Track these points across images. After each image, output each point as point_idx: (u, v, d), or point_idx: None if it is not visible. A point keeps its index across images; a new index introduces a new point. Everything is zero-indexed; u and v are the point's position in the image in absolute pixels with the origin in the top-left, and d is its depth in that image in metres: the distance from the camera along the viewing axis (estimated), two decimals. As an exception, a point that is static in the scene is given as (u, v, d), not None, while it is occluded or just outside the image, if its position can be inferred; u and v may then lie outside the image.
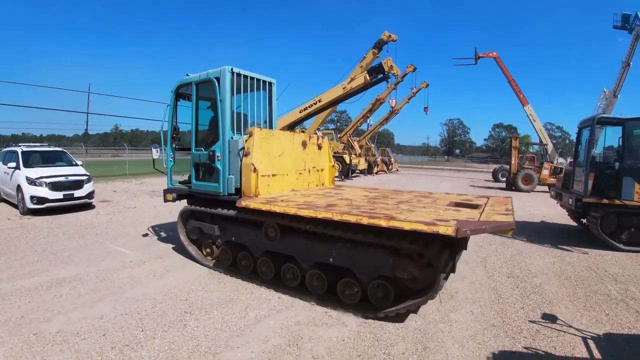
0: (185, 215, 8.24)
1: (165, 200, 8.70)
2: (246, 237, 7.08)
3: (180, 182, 8.58)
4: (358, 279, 5.80)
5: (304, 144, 8.35)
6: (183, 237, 8.27)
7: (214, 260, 7.80)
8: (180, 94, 8.27)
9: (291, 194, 7.33)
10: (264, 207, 6.21)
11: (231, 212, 7.00)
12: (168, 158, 8.37)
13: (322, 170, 9.15)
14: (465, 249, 6.18)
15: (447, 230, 4.56)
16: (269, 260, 6.81)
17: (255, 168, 6.73)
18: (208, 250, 7.96)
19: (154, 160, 8.85)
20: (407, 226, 4.87)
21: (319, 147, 8.98)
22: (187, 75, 7.86)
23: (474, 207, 6.32)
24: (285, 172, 7.73)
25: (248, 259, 7.17)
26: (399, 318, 5.58)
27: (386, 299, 5.61)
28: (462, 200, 7.03)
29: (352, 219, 5.27)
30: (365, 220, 5.13)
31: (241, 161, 6.89)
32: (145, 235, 10.21)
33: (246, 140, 6.87)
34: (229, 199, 7.02)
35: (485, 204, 6.51)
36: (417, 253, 5.33)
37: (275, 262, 6.75)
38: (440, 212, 5.79)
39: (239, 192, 6.99)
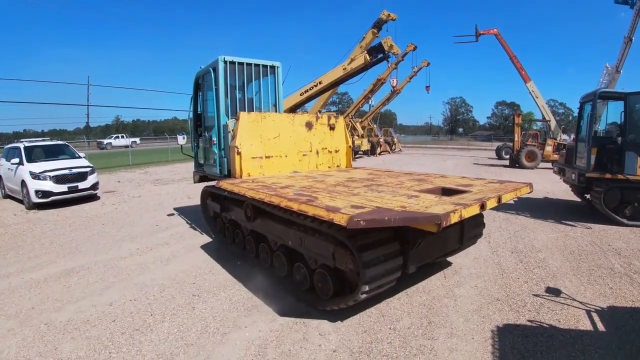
0: (204, 195, 8.71)
1: (195, 182, 9.67)
2: (238, 216, 7.15)
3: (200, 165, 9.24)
4: (308, 265, 5.46)
5: (309, 125, 8.32)
6: (203, 212, 8.96)
7: (222, 237, 8.22)
8: (199, 84, 8.89)
9: (282, 176, 7.36)
10: (229, 188, 6.45)
11: (220, 192, 7.11)
12: (193, 143, 9.38)
13: (336, 151, 9.00)
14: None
15: (341, 219, 3.94)
16: (251, 239, 6.97)
17: (239, 150, 6.95)
18: (219, 227, 8.38)
19: (181, 146, 9.83)
20: (310, 211, 4.44)
21: (331, 128, 8.78)
22: (200, 67, 8.46)
23: (462, 192, 5.38)
24: (282, 153, 7.79)
25: (239, 236, 7.41)
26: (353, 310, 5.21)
27: (326, 292, 5.15)
28: (451, 187, 5.79)
29: (276, 200, 5.06)
30: (284, 203, 4.88)
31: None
32: (171, 214, 11.27)
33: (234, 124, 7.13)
34: (225, 180, 7.23)
35: (474, 189, 5.52)
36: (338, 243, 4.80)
37: (256, 241, 6.87)
38: (398, 198, 4.91)
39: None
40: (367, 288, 4.46)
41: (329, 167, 8.83)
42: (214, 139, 7.47)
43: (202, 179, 9.30)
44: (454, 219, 3.86)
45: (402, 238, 4.88)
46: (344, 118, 31.05)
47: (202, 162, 9.16)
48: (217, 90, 7.45)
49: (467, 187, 5.70)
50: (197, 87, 8.87)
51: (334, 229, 4.53)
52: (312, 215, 4.39)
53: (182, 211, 11.74)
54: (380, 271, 4.55)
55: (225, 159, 7.43)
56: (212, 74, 7.59)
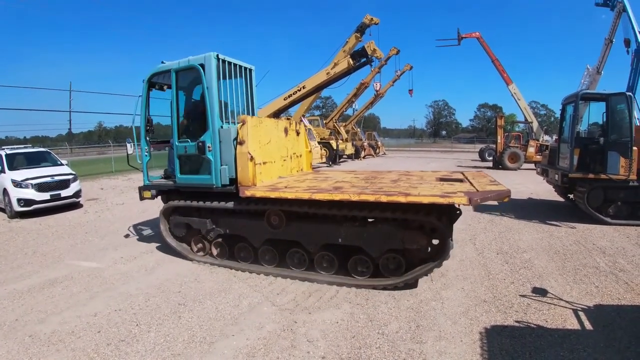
0: (168, 212, 7.88)
1: (142, 198, 8.20)
2: (244, 227, 7.01)
3: (162, 177, 8.28)
4: (368, 255, 6.15)
5: (286, 131, 8.30)
6: (168, 236, 7.87)
7: (206, 256, 7.63)
8: (153, 83, 7.96)
9: (284, 181, 7.32)
10: (273, 195, 6.19)
11: (230, 204, 6.90)
12: (143, 153, 7.89)
13: (300, 156, 9.11)
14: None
15: (461, 200, 5.11)
16: (272, 248, 6.85)
17: (252, 157, 6.64)
18: (199, 245, 7.70)
19: (128, 156, 8.37)
20: (425, 200, 5.27)
21: (297, 133, 8.96)
22: (162, 62, 7.51)
23: (460, 180, 6.79)
24: (272, 159, 7.66)
25: (247, 249, 7.13)
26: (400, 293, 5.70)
27: (398, 270, 6.08)
28: (443, 175, 7.52)
29: (371, 198, 5.53)
30: (384, 198, 5.43)
31: (235, 150, 6.72)
32: (127, 236, 9.86)
33: (239, 129, 6.71)
34: (223, 190, 6.89)
35: (467, 178, 7.06)
36: (421, 224, 5.90)
37: (279, 249, 6.81)
38: (439, 186, 6.20)
39: (233, 182, 6.85)
40: (452, 249, 5.84)
41: (297, 171, 8.87)
42: (209, 144, 6.85)
43: (161, 193, 8.10)
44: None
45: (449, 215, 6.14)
46: (328, 122, 31.09)
47: (164, 173, 8.33)
48: (209, 89, 6.83)
49: (451, 176, 7.42)
50: (151, 86, 7.89)
51: (422, 214, 5.64)
52: (427, 202, 5.28)
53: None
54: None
55: (227, 167, 6.85)
56: (202, 71, 6.86)
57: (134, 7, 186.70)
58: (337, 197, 5.74)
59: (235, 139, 6.74)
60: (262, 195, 6.28)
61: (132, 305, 5.69)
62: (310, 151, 9.69)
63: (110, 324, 5.16)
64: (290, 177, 8.05)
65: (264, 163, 7.19)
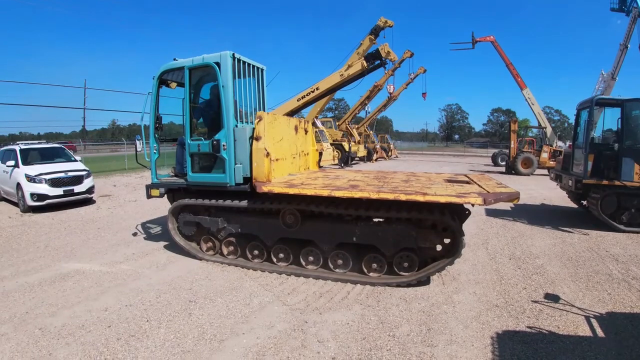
0: (177, 211, 7.74)
1: (149, 197, 8.07)
2: (257, 226, 7.01)
3: (171, 175, 8.23)
4: (382, 253, 6.32)
5: (296, 129, 8.37)
6: (176, 235, 7.74)
7: (216, 255, 7.57)
8: (163, 80, 7.95)
9: (296, 178, 7.34)
10: (292, 191, 6.21)
11: (244, 203, 6.89)
12: (152, 150, 7.83)
13: (307, 154, 9.18)
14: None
15: (477, 200, 5.29)
16: (286, 247, 6.86)
17: (268, 153, 6.65)
18: (209, 244, 7.65)
19: (136, 153, 8.35)
20: (442, 199, 5.43)
21: (306, 132, 9.05)
22: (174, 60, 7.48)
23: (467, 182, 6.91)
24: (284, 156, 7.69)
25: (260, 248, 7.13)
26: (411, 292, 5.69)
27: (411, 268, 6.25)
28: (449, 177, 7.69)
29: (390, 196, 5.63)
30: (403, 197, 5.56)
31: (251, 147, 6.72)
32: (135, 234, 9.73)
33: (256, 124, 6.70)
34: (237, 189, 6.88)
35: (473, 180, 7.20)
36: (434, 223, 6.12)
37: (293, 247, 6.83)
38: (451, 187, 6.33)
39: (247, 181, 6.85)
40: (463, 248, 5.92)
41: (305, 169, 8.93)
42: (224, 142, 6.82)
43: (170, 191, 8.00)
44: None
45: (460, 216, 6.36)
46: (340, 124, 31.14)
47: (173, 172, 8.30)
48: (225, 88, 6.80)
49: (456, 178, 7.63)
50: (161, 83, 7.83)
51: (437, 213, 5.85)
52: (445, 202, 5.44)
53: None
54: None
55: (241, 166, 6.83)
56: (217, 70, 6.81)
57: (148, 7, 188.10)
58: (357, 194, 5.80)
59: (252, 137, 6.74)
60: (280, 191, 6.29)
61: (142, 301, 5.71)
62: (317, 150, 9.80)
63: (121, 319, 5.17)
64: (300, 174, 8.09)
65: (277, 160, 7.23)
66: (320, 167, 9.97)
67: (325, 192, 5.96)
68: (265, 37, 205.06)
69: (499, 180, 7.05)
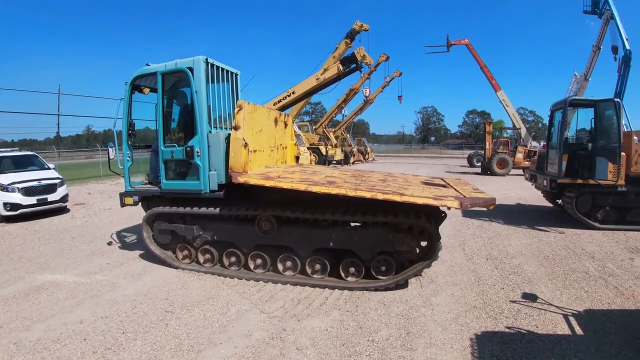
0: (152, 219, 7.60)
1: (123, 205, 7.87)
2: (233, 233, 6.94)
3: (145, 183, 8.05)
4: (360, 257, 6.32)
5: (276, 121, 8.33)
6: (151, 243, 7.59)
7: (192, 263, 7.44)
8: (136, 86, 7.77)
9: (273, 171, 7.28)
10: (268, 184, 6.14)
11: (219, 210, 6.79)
12: (125, 158, 7.63)
13: (285, 147, 9.16)
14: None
15: (454, 204, 5.29)
16: (262, 254, 6.80)
17: (246, 143, 6.52)
18: (185, 252, 7.50)
19: (109, 160, 7.97)
20: (419, 201, 5.44)
21: (285, 125, 9.03)
22: (147, 65, 7.34)
23: (443, 186, 6.95)
24: (262, 148, 7.62)
25: (236, 255, 7.04)
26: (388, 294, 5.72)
27: (389, 271, 6.25)
28: (425, 180, 7.75)
29: (367, 194, 5.63)
30: (380, 196, 5.54)
31: (227, 147, 6.59)
32: (110, 243, 9.53)
33: (236, 114, 6.61)
34: (212, 196, 6.80)
35: (449, 184, 7.21)
36: (410, 226, 6.13)
37: (269, 254, 6.77)
38: (427, 190, 6.27)
39: (222, 188, 6.77)
40: (440, 250, 6.02)
41: (282, 162, 8.89)
42: (198, 149, 6.71)
43: (144, 200, 7.83)
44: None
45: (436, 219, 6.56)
46: (317, 128, 31.17)
47: (147, 179, 8.15)
48: (198, 93, 6.69)
49: (433, 181, 7.65)
50: (134, 88, 7.69)
51: (412, 218, 5.90)
52: (422, 203, 5.45)
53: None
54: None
55: (215, 172, 6.72)
56: (190, 75, 6.70)
57: (123, 10, 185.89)
58: (334, 191, 5.77)
59: (227, 141, 6.65)
60: (256, 182, 6.22)
61: (118, 313, 5.60)
62: (295, 144, 9.80)
63: (97, 331, 5.06)
64: (277, 167, 8.02)
65: (254, 151, 7.15)
66: (297, 159, 9.97)
67: (302, 187, 5.91)
68: (241, 40, 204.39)
69: (475, 185, 7.07)
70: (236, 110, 6.67)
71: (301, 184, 5.97)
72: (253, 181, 6.23)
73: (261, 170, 7.18)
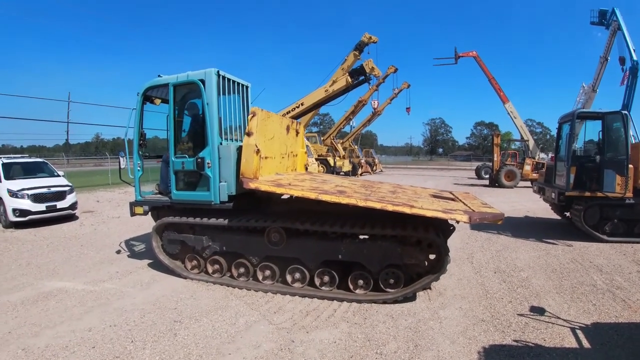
0: (161, 229, 7.65)
1: (133, 214, 7.96)
2: (242, 244, 6.96)
3: (155, 193, 8.09)
4: (368, 270, 6.33)
5: (288, 129, 8.35)
6: (160, 253, 7.62)
7: (201, 273, 7.45)
8: (147, 96, 7.89)
9: (284, 178, 7.29)
10: (279, 190, 6.22)
11: (228, 221, 6.83)
12: (135, 167, 7.74)
13: (295, 155, 9.16)
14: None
15: (463, 217, 5.37)
16: (272, 265, 6.82)
17: (258, 149, 6.53)
18: (194, 262, 7.53)
19: (120, 170, 8.26)
20: (428, 214, 5.46)
21: (297, 133, 9.06)
22: (159, 76, 7.46)
23: (452, 199, 6.95)
24: (273, 155, 7.63)
25: (246, 266, 7.05)
26: (399, 307, 5.73)
27: (397, 284, 6.27)
28: (434, 193, 7.74)
29: (377, 205, 5.64)
30: (390, 207, 5.56)
31: (238, 159, 6.66)
32: (118, 252, 9.58)
33: (250, 120, 6.61)
34: (222, 207, 6.84)
35: (458, 197, 7.28)
36: (419, 239, 6.13)
37: (279, 265, 6.80)
38: (436, 202, 6.31)
39: (232, 199, 6.82)
40: (448, 263, 6.02)
41: (292, 170, 8.89)
42: (208, 160, 6.77)
43: (154, 209, 7.91)
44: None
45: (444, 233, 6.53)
46: (325, 139, 31.26)
47: (157, 189, 8.17)
48: (209, 105, 6.78)
49: (442, 194, 7.67)
50: (146, 99, 7.76)
51: (421, 231, 5.93)
52: (431, 216, 5.47)
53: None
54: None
55: (225, 184, 6.77)
56: (202, 87, 6.79)
57: (134, 20, 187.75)
58: (344, 200, 5.81)
59: (238, 151, 6.72)
60: (267, 189, 6.26)
61: (127, 321, 5.63)
62: (305, 152, 9.81)
63: (105, 339, 5.09)
64: (288, 175, 8.01)
65: (266, 158, 7.16)
66: (306, 169, 10.00)
67: (312, 195, 5.96)
68: (249, 53, 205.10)
69: (483, 200, 7.10)
70: (250, 116, 6.68)
71: (312, 192, 6.02)
72: (264, 187, 6.27)
73: (272, 177, 7.20)
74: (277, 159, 7.93)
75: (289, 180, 7.14)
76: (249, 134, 6.55)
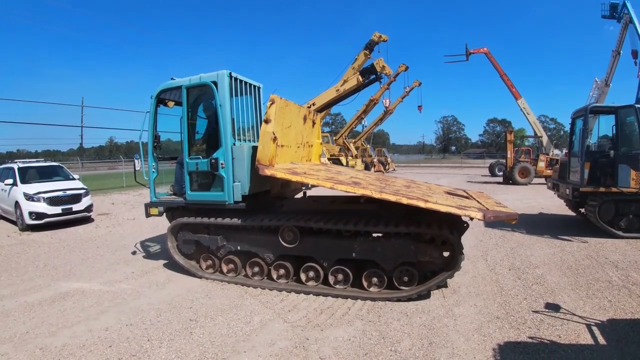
0: (177, 230, 7.72)
1: (148, 215, 8.09)
2: (256, 244, 7.02)
3: (170, 194, 8.17)
4: (382, 268, 6.33)
5: (305, 119, 8.38)
6: (175, 253, 7.69)
7: (216, 272, 7.52)
8: (161, 99, 7.99)
9: (299, 167, 7.31)
10: (294, 178, 6.29)
11: (243, 221, 6.88)
12: (150, 169, 7.86)
13: (311, 146, 9.19)
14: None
15: (477, 215, 5.33)
16: (286, 264, 6.85)
17: (275, 137, 6.54)
18: (209, 262, 7.58)
19: (135, 172, 8.31)
20: (443, 209, 5.44)
21: (313, 124, 9.09)
22: (172, 79, 7.53)
23: (466, 197, 6.94)
24: (289, 144, 7.65)
25: (260, 265, 7.11)
26: (414, 304, 5.78)
27: (412, 282, 6.24)
28: (447, 190, 7.71)
29: (392, 198, 5.64)
30: (405, 200, 5.56)
31: (251, 159, 6.72)
32: (134, 253, 9.69)
33: (268, 107, 6.64)
34: (236, 207, 6.90)
35: (471, 195, 7.27)
36: (433, 236, 6.09)
37: (293, 264, 6.84)
38: (451, 199, 6.29)
39: (245, 199, 6.86)
40: (462, 261, 6.05)
41: (307, 160, 8.92)
42: (222, 161, 6.84)
43: (168, 210, 8.01)
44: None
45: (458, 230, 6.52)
46: (337, 139, 31.26)
47: (171, 190, 8.23)
48: (222, 107, 6.84)
49: (456, 192, 7.62)
50: (159, 102, 7.90)
51: (435, 229, 5.89)
52: (445, 211, 5.45)
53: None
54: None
55: (239, 184, 6.82)
56: (214, 89, 6.85)
57: (147, 23, 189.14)
58: (360, 191, 5.85)
59: (251, 151, 6.79)
60: (283, 176, 6.34)
61: (143, 320, 5.70)
62: (320, 143, 9.87)
63: (122, 338, 5.16)
64: (302, 164, 8.04)
65: (282, 146, 7.18)
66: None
67: (328, 184, 6.02)
68: (260, 54, 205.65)
69: (497, 199, 7.07)
70: (268, 103, 6.71)
71: (327, 181, 6.08)
72: (280, 174, 6.32)
73: (287, 165, 7.21)
74: (293, 148, 7.95)
75: (304, 169, 7.15)
76: (266, 121, 6.56)
